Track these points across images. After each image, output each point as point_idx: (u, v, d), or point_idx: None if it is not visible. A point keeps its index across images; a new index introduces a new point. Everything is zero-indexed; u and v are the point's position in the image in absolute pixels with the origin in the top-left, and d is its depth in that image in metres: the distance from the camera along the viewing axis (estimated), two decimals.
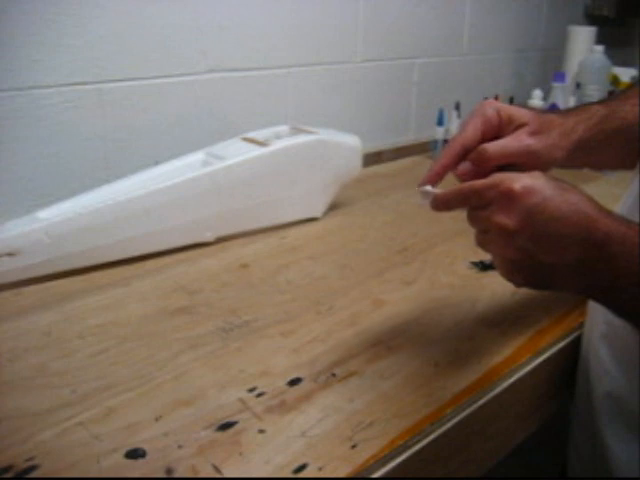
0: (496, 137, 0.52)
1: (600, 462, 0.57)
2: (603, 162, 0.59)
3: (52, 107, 0.80)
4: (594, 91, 1.40)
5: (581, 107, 0.57)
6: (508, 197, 0.42)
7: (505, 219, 0.42)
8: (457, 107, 1.24)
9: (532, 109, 0.54)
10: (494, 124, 0.51)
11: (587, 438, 0.60)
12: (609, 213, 0.42)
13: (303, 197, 0.87)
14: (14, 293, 0.66)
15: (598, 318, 0.58)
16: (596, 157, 0.56)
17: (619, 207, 0.57)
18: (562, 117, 0.55)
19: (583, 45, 1.48)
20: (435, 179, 0.50)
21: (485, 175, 0.45)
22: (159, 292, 0.67)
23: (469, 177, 0.50)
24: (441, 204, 0.47)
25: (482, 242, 0.46)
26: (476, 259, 0.75)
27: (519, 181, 0.42)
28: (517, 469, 0.82)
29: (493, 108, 0.52)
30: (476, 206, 0.44)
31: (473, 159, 0.50)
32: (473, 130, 0.51)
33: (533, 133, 0.51)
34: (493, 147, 0.50)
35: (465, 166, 0.50)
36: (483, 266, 0.73)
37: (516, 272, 0.45)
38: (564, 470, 0.67)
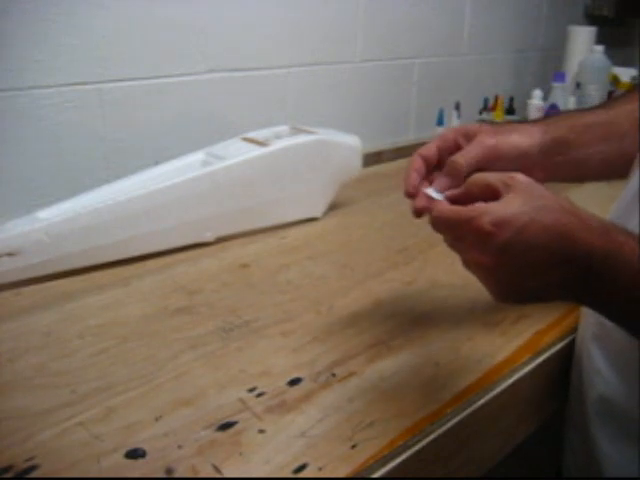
0: (455, 152, 0.54)
1: (593, 463, 0.57)
2: (583, 165, 0.57)
3: (52, 107, 0.80)
4: (594, 91, 1.40)
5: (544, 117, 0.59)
6: (479, 236, 0.41)
7: (480, 257, 0.42)
8: (457, 107, 1.25)
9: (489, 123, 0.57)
10: (450, 138, 0.55)
11: (580, 439, 0.60)
12: (591, 226, 0.41)
13: (303, 197, 0.87)
14: (14, 293, 0.66)
15: (590, 319, 0.58)
16: (572, 155, 0.56)
17: (615, 207, 0.56)
18: (521, 121, 0.58)
19: (583, 45, 1.48)
20: (412, 193, 0.52)
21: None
22: (159, 292, 0.67)
23: (449, 188, 0.51)
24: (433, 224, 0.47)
25: (467, 267, 0.46)
26: None
27: (491, 215, 0.41)
28: (517, 469, 0.82)
29: (451, 130, 0.56)
30: (452, 238, 0.44)
31: (448, 172, 0.52)
32: (430, 146, 0.54)
33: (486, 133, 0.53)
34: (462, 157, 0.52)
35: (443, 181, 0.51)
36: None
37: (504, 297, 0.45)
38: (560, 470, 0.67)
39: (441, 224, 0.44)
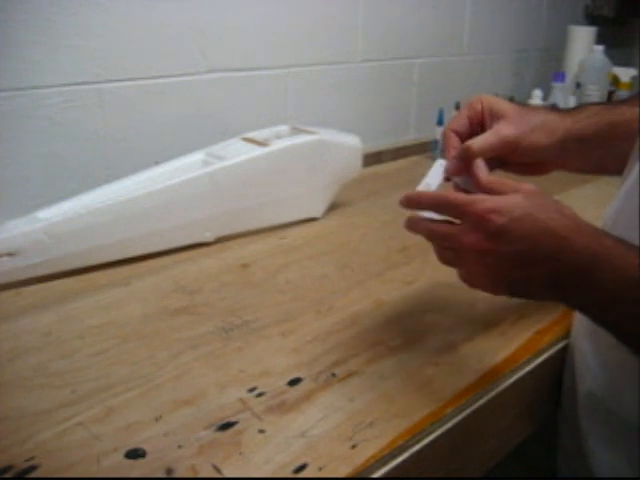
0: (481, 125, 0.56)
1: (583, 460, 0.57)
2: (600, 161, 0.58)
3: (52, 107, 0.80)
4: (594, 91, 1.40)
5: (575, 107, 0.60)
6: (477, 218, 0.44)
7: (475, 239, 0.44)
8: (457, 107, 1.24)
9: (514, 102, 0.57)
10: (477, 112, 0.56)
11: (571, 436, 0.60)
12: (581, 228, 0.43)
13: (303, 197, 0.87)
14: (14, 293, 0.66)
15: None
16: (592, 153, 0.56)
17: (610, 205, 0.56)
18: (549, 109, 0.58)
19: (583, 45, 1.48)
20: (459, 167, 0.53)
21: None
22: (159, 292, 0.67)
23: (460, 173, 0.53)
24: (413, 202, 0.51)
25: (448, 259, 0.48)
26: None
27: (490, 202, 0.44)
28: (516, 469, 0.82)
29: (479, 100, 0.57)
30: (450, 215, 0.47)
31: (461, 156, 0.53)
32: (461, 118, 0.56)
33: (509, 123, 0.54)
34: (476, 143, 0.53)
35: (454, 163, 0.53)
36: None
37: (493, 285, 0.47)
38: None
39: (443, 205, 0.47)
